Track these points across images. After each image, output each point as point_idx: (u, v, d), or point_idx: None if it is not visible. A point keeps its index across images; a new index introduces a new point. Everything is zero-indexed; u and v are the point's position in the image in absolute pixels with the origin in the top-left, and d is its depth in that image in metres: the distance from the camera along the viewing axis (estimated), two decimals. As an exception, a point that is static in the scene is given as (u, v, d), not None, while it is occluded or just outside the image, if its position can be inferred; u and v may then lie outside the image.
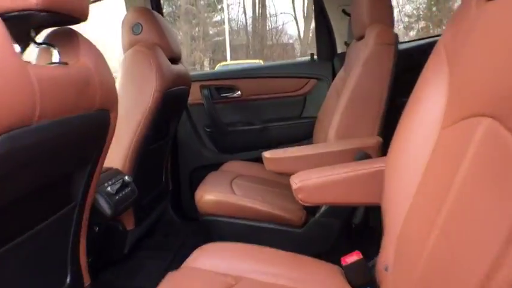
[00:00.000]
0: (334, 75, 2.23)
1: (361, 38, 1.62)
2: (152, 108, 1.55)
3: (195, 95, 2.20)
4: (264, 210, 1.49)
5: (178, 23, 13.70)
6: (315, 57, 2.40)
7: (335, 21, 2.27)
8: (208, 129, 2.33)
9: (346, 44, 2.18)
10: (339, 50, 2.29)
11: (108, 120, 1.04)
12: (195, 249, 1.09)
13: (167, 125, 1.90)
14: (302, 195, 1.09)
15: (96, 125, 1.01)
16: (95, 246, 1.34)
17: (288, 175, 1.17)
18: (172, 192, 2.19)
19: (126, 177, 1.41)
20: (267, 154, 1.47)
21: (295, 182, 1.10)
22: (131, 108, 1.52)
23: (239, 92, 2.32)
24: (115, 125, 1.09)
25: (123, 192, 1.37)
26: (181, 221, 2.23)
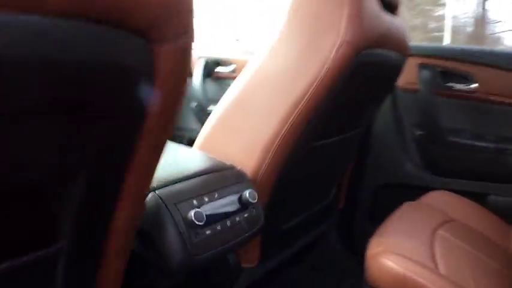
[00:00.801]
0: None
1: None
2: (332, 73, 0.85)
3: (408, 75, 1.49)
4: None
5: (400, 8, 13.59)
6: None
7: None
8: (418, 132, 1.56)
9: None
10: None
11: (148, 57, 0.40)
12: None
13: (358, 109, 1.20)
14: None
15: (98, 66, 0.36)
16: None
17: None
18: (342, 210, 1.52)
19: (247, 193, 0.75)
20: None
21: None
22: (294, 69, 0.87)
23: (475, 85, 1.49)
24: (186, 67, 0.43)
25: (229, 222, 0.71)
26: (346, 251, 1.58)
